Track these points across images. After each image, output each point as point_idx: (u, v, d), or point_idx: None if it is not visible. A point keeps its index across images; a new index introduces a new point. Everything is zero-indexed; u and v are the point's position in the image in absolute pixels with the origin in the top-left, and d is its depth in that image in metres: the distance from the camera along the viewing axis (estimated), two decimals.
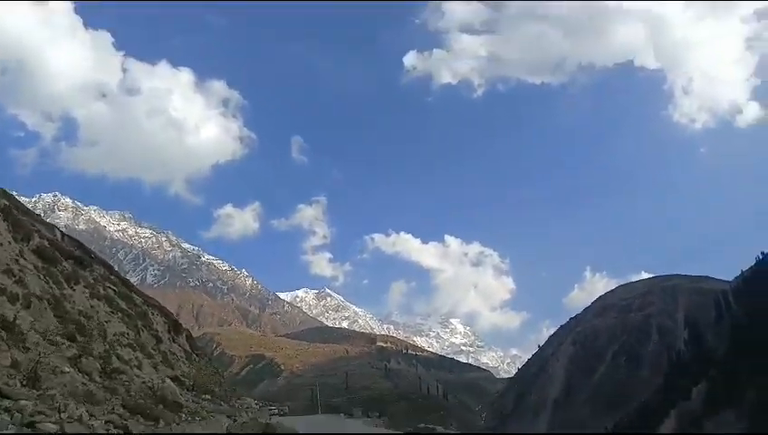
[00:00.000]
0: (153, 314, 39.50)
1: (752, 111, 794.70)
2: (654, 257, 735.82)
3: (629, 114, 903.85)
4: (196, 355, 45.31)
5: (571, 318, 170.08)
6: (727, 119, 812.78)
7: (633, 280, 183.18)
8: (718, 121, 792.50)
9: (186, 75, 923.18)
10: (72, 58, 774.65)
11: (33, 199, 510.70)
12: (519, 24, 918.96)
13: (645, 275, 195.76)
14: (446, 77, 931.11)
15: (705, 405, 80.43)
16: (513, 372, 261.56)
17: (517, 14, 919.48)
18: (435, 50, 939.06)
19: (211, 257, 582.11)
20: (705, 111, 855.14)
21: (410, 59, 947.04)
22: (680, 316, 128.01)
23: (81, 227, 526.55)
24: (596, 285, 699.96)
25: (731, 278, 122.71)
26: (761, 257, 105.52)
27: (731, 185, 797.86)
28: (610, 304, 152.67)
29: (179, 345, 41.44)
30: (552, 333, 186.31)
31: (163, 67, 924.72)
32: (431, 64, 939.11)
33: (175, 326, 43.59)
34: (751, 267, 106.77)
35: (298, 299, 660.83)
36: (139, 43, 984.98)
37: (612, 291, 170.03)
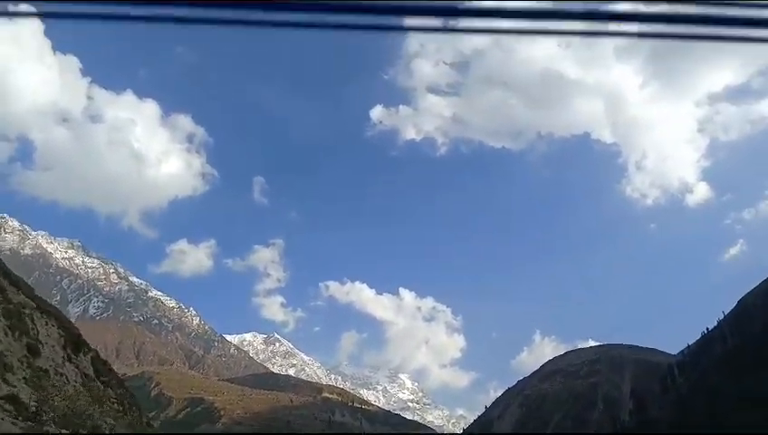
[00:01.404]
0: (39, 322, 32.49)
1: (701, 191, 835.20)
2: (602, 325, 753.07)
3: (585, 184, 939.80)
4: (103, 384, 38.91)
5: (518, 380, 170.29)
6: (678, 197, 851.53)
7: (580, 346, 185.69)
8: (668, 199, 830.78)
9: (151, 107, 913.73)
10: (36, 79, 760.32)
11: None
12: (482, 89, 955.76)
13: (592, 343, 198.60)
14: (410, 133, 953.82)
15: None
16: (459, 431, 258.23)
17: (481, 79, 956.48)
18: (401, 106, 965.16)
19: (159, 293, 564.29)
20: (657, 187, 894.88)
21: (377, 113, 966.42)
22: (626, 387, 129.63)
23: (26, 251, 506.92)
24: (544, 349, 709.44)
25: (676, 351, 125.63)
26: (706, 332, 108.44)
27: (678, 261, 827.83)
28: (558, 368, 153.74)
29: (76, 367, 34.51)
30: (499, 394, 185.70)
31: (128, 97, 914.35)
32: (397, 120, 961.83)
33: (75, 344, 37.15)
34: (696, 341, 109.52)
35: (245, 343, 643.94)
36: (107, 70, 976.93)
37: (561, 356, 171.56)
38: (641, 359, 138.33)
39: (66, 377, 29.54)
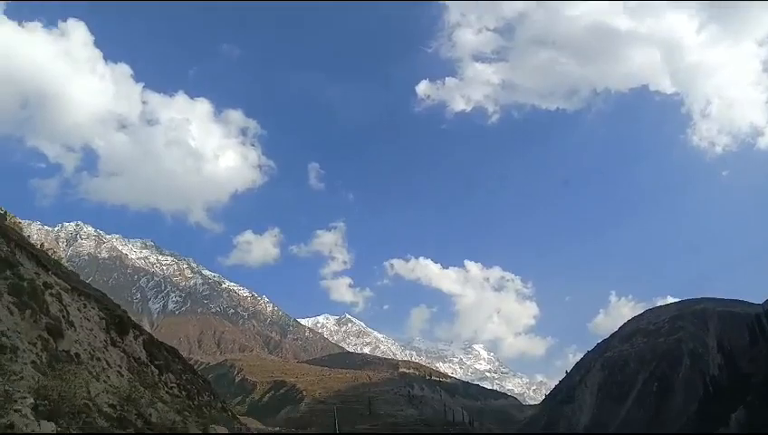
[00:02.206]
0: (73, 303, 28.76)
1: None
2: (680, 281, 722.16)
3: (648, 139, 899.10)
4: (158, 368, 35.91)
5: (598, 343, 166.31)
6: (748, 141, 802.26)
7: (659, 304, 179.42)
8: (739, 144, 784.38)
9: (203, 105, 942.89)
10: (92, 90, 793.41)
11: (56, 228, 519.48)
12: (530, 51, 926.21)
13: (671, 300, 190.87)
14: (459, 105, 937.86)
15: (743, 432, 77.28)
16: (540, 398, 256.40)
17: (528, 41, 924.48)
18: (447, 78, 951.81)
19: (232, 284, 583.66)
20: (725, 133, 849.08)
21: (423, 88, 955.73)
22: (711, 341, 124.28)
23: (103, 255, 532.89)
24: (621, 310, 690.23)
25: (761, 301, 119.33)
26: None
27: (754, 207, 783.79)
28: (639, 328, 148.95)
29: (123, 351, 31.13)
30: (578, 358, 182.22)
31: (181, 98, 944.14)
32: (444, 93, 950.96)
33: (120, 326, 33.68)
34: None
35: (319, 325, 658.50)
36: (157, 75, 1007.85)
37: (640, 315, 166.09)
38: (726, 311, 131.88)
39: (107, 361, 26.86)
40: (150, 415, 20.33)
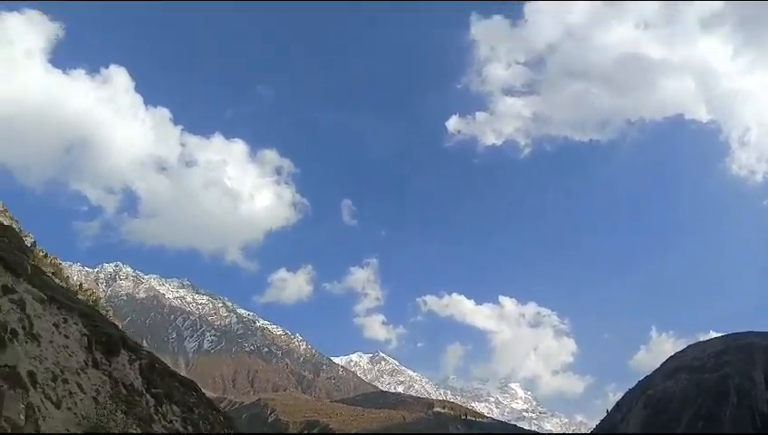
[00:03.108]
0: (43, 314, 24.29)
1: None
2: (723, 315, 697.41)
3: (685, 168, 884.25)
4: (155, 397, 30.63)
5: (639, 381, 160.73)
6: None
7: (702, 339, 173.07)
8: None
9: (239, 146, 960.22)
10: (133, 134, 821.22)
11: (96, 270, 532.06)
12: (562, 83, 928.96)
13: (714, 335, 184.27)
14: (490, 139, 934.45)
15: None
16: None
17: (559, 72, 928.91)
18: (477, 113, 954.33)
19: (266, 322, 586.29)
20: (765, 161, 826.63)
21: (453, 123, 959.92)
22: (759, 376, 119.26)
23: (141, 295, 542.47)
24: (663, 346, 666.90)
25: None
26: None
27: None
28: (682, 364, 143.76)
29: (108, 374, 26.06)
30: (619, 397, 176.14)
31: (217, 139, 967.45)
32: (475, 127, 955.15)
33: (108, 346, 28.18)
34: None
35: (352, 363, 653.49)
36: (195, 117, 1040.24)
37: (683, 351, 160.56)
38: None
39: (79, 385, 22.30)
40: None
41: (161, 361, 54.09)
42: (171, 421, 30.69)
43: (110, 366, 27.15)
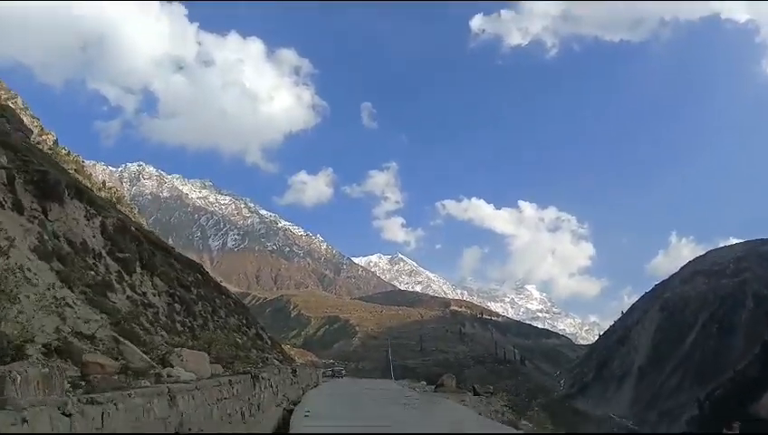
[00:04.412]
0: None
1: None
2: (745, 222, 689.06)
3: (719, 71, 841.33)
4: (121, 262, 23.97)
5: (657, 284, 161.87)
6: None
7: (722, 245, 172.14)
8: None
9: (256, 45, 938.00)
10: (148, 32, 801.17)
11: (120, 169, 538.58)
12: None
13: (734, 241, 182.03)
14: (515, 39, 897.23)
15: None
16: (593, 339, 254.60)
17: None
18: (503, 11, 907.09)
19: (287, 223, 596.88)
20: None
21: (477, 22, 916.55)
22: None
23: (165, 194, 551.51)
24: (682, 251, 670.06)
25: None
26: None
27: None
28: (701, 269, 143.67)
29: (41, 224, 18.74)
30: (634, 300, 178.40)
31: (233, 37, 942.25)
32: (499, 26, 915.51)
33: (42, 186, 20.44)
34: None
35: (372, 264, 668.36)
36: (210, 13, 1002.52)
37: (702, 256, 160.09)
38: None
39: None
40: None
41: (143, 226, 49.25)
42: (143, 293, 23.69)
43: (44, 215, 19.59)
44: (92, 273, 19.83)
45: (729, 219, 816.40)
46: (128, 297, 21.34)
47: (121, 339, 12.51)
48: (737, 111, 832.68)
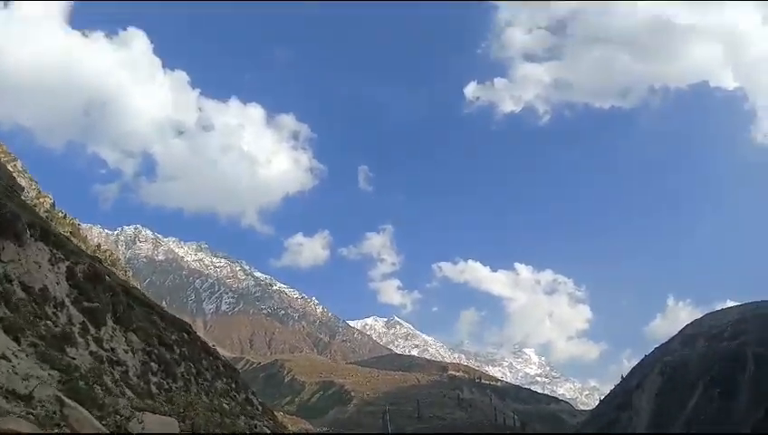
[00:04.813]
0: None
1: None
2: (741, 285, 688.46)
3: (709, 136, 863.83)
4: (87, 313, 21.72)
5: (656, 347, 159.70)
6: None
7: (719, 308, 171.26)
8: None
9: (256, 111, 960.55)
10: (151, 97, 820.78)
11: (116, 232, 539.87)
12: (584, 49, 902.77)
13: (731, 304, 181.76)
14: (509, 105, 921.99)
15: None
16: (593, 404, 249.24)
17: (582, 38, 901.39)
18: (496, 79, 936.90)
19: (283, 286, 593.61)
20: None
21: (472, 89, 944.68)
22: None
23: (160, 257, 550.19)
24: (679, 314, 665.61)
25: None
26: None
27: None
28: (699, 332, 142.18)
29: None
30: (633, 363, 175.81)
31: (234, 103, 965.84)
32: (493, 94, 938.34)
33: None
34: None
35: (367, 327, 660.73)
36: (212, 81, 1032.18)
37: (700, 319, 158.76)
38: None
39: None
40: None
41: (117, 277, 43.55)
42: (112, 349, 21.37)
43: None
44: (49, 323, 17.84)
45: (725, 282, 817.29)
46: (91, 353, 18.96)
47: (67, 401, 10.13)
48: (729, 175, 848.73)
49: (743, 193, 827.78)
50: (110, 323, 23.05)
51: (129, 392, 17.74)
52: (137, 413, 11.49)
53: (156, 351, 26.30)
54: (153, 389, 22.06)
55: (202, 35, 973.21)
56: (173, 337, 33.59)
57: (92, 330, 20.84)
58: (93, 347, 19.72)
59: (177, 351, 31.26)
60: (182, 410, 15.55)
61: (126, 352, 22.60)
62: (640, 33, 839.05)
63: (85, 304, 21.64)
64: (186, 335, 38.48)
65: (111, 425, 10.15)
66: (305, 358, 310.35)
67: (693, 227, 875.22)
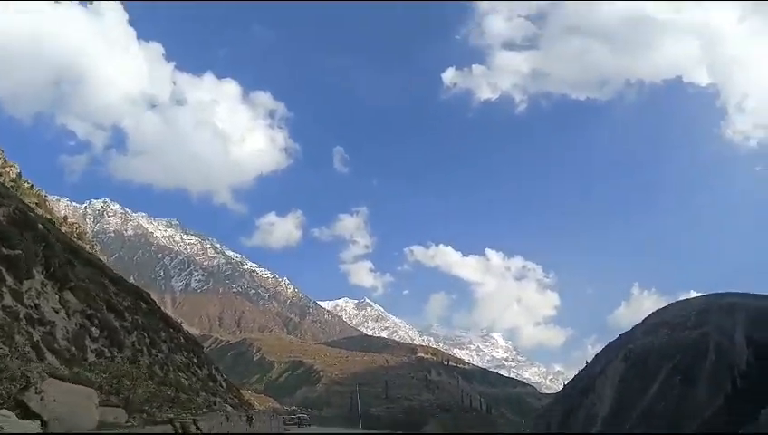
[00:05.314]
0: None
1: None
2: (706, 276, 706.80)
3: (680, 131, 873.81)
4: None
5: (620, 334, 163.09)
6: None
7: (683, 298, 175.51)
8: None
9: (231, 87, 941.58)
10: (125, 69, 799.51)
11: (84, 205, 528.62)
12: (563, 40, 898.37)
13: (695, 294, 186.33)
14: (485, 93, 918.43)
15: None
16: (557, 388, 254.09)
17: (561, 29, 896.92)
18: (474, 66, 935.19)
19: (254, 265, 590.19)
20: (762, 128, 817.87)
21: (449, 75, 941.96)
22: (740, 336, 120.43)
23: (129, 232, 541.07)
24: (644, 303, 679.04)
25: None
26: None
27: None
28: (663, 321, 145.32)
29: None
30: (598, 350, 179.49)
31: (209, 78, 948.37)
32: (471, 80, 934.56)
33: None
34: None
35: (338, 308, 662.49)
36: (188, 54, 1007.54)
37: (664, 308, 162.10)
38: (757, 306, 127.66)
39: None
40: None
41: (61, 232, 42.09)
42: (35, 305, 18.36)
43: None
44: None
45: (690, 273, 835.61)
46: (4, 307, 16.44)
47: None
48: (698, 168, 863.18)
49: (711, 187, 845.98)
50: (38, 277, 19.73)
51: (50, 357, 15.45)
52: (40, 381, 8.99)
53: (99, 315, 23.26)
54: (91, 356, 19.32)
55: (179, 7, 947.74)
56: (125, 304, 31.37)
57: (10, 281, 17.81)
58: (8, 301, 16.87)
59: (129, 318, 28.92)
60: (115, 381, 13.08)
61: (56, 312, 19.46)
62: (619, 26, 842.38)
63: (4, 250, 18.67)
64: (143, 305, 36.44)
65: (4, 392, 8.18)
66: (275, 337, 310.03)
67: (662, 218, 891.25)
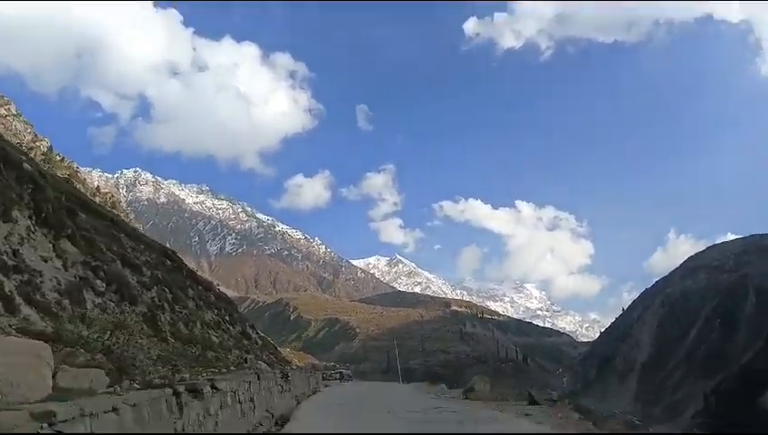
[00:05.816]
0: None
1: None
2: (743, 218, 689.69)
3: (714, 69, 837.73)
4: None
5: (657, 280, 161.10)
6: None
7: (720, 241, 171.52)
8: None
9: (251, 49, 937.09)
10: (144, 37, 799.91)
11: (116, 175, 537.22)
12: None
13: (732, 237, 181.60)
14: (509, 41, 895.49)
15: None
16: (594, 336, 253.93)
17: None
18: (496, 14, 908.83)
19: (285, 227, 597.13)
20: None
21: (471, 25, 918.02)
22: None
23: (162, 200, 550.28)
24: (680, 248, 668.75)
25: None
26: None
27: None
28: (701, 264, 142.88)
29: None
30: (634, 296, 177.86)
31: (228, 42, 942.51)
32: (493, 30, 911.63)
33: None
34: None
35: (370, 266, 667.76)
36: (204, 18, 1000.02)
37: (702, 252, 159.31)
38: None
39: None
40: None
41: (57, 177, 40.24)
42: (15, 252, 15.44)
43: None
44: None
45: (727, 216, 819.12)
46: None
47: None
48: (733, 108, 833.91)
49: (746, 126, 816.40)
50: (23, 221, 17.28)
51: (27, 310, 12.82)
52: None
53: (105, 267, 20.82)
54: (95, 311, 16.50)
55: None
56: (143, 258, 29.24)
57: None
58: None
59: (148, 273, 26.75)
60: (97, 336, 9.92)
61: (46, 261, 17.00)
62: None
63: None
64: (168, 262, 35.00)
65: None
66: (310, 296, 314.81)
67: (696, 161, 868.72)
